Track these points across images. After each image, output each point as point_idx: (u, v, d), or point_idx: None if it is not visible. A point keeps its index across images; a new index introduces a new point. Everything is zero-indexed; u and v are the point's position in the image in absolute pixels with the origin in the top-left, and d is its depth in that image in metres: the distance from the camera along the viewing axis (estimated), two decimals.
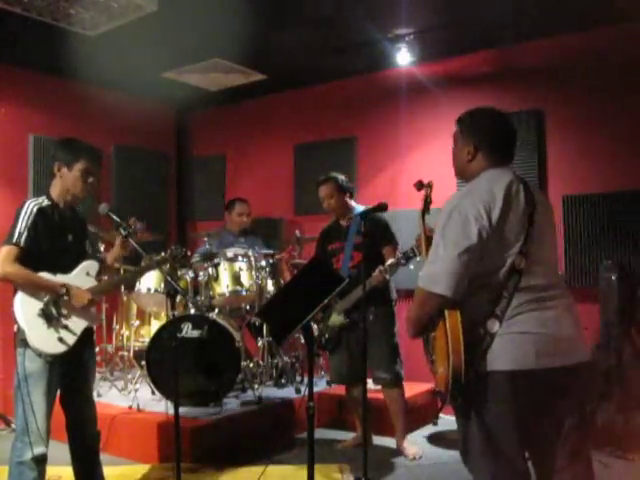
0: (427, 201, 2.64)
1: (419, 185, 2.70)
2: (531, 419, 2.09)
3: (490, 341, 2.05)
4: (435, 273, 2.06)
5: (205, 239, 5.69)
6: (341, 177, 4.39)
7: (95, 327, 3.14)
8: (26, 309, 2.86)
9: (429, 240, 2.48)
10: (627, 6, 4.22)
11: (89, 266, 3.06)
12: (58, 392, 3.00)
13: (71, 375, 3.00)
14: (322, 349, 4.38)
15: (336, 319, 4.18)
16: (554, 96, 4.80)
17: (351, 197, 4.43)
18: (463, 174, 2.32)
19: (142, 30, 4.57)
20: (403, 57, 5.21)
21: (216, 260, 4.97)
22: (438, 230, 2.11)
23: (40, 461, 2.81)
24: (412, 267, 3.83)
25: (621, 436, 3.91)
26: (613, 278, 4.27)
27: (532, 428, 2.10)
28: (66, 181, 2.96)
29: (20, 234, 2.82)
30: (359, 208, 4.28)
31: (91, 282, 3.03)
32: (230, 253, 5.12)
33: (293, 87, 6.18)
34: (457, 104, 5.33)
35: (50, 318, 2.86)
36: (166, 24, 4.54)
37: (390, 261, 3.91)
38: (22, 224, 2.83)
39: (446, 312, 2.05)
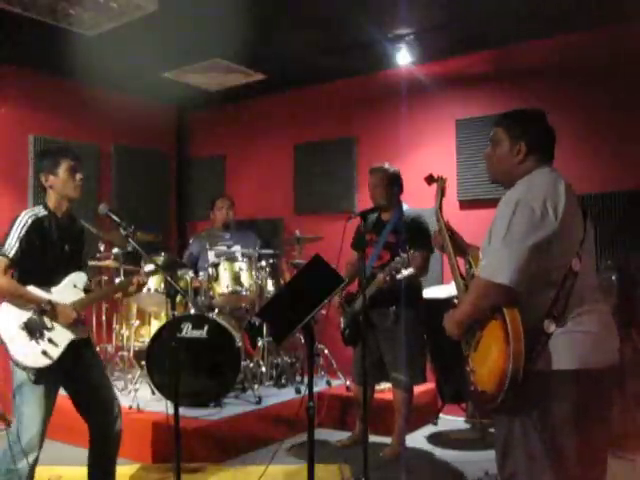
0: (441, 195, 2.58)
1: (430, 179, 2.64)
2: (589, 421, 2.03)
3: (546, 340, 2.00)
4: (499, 264, 2.00)
5: (191, 241, 5.73)
6: (392, 170, 4.29)
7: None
8: (9, 321, 2.82)
9: (452, 236, 2.47)
10: (627, 5, 4.22)
11: (76, 278, 3.02)
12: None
13: (77, 382, 2.98)
14: (345, 343, 4.37)
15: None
16: (553, 96, 4.80)
17: (399, 192, 4.31)
18: (509, 175, 2.22)
19: (142, 30, 4.57)
20: (403, 57, 5.21)
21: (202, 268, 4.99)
22: (501, 222, 2.04)
23: (30, 469, 2.80)
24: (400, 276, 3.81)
25: (621, 436, 3.91)
26: (612, 278, 4.26)
27: (589, 430, 2.04)
28: (57, 187, 2.96)
29: (10, 246, 2.83)
30: (405, 207, 4.26)
31: (78, 294, 3.00)
32: (211, 254, 5.10)
33: (293, 87, 6.18)
34: (457, 104, 5.40)
35: (33, 332, 2.82)
36: (166, 24, 4.54)
37: (406, 269, 3.81)
38: (14, 236, 2.84)
39: (506, 310, 1.99)
